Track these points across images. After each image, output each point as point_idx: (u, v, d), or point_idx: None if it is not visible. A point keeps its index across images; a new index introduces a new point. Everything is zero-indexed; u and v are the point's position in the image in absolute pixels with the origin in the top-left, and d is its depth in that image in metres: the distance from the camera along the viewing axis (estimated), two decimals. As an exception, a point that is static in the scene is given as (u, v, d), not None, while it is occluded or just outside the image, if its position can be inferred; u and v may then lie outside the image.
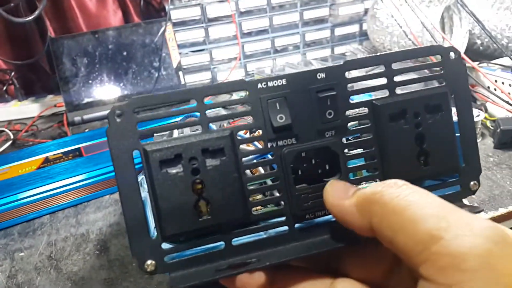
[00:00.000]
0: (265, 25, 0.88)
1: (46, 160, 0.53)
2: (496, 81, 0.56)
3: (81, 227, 0.44)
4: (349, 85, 0.24)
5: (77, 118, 0.78)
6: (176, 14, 0.83)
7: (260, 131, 0.23)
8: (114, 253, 0.39)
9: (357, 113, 0.24)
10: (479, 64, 0.59)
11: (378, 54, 0.24)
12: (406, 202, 0.18)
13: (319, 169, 0.23)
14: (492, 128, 0.52)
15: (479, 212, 0.24)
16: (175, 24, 0.83)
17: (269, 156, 0.23)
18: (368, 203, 0.19)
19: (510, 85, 0.55)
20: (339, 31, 0.92)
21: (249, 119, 0.23)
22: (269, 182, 0.26)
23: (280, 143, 0.23)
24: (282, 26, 0.89)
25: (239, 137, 0.23)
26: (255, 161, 0.24)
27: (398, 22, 0.70)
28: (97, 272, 0.37)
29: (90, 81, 0.80)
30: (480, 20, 0.64)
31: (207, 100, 0.23)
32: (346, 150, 0.23)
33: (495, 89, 0.55)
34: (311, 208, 0.23)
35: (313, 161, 0.23)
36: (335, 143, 0.23)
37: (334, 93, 0.23)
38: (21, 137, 0.73)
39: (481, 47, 0.70)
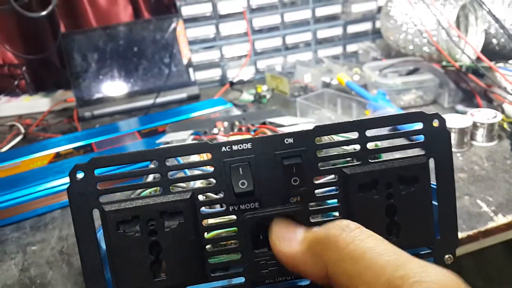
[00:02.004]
0: (276, 22, 0.87)
1: (58, 155, 0.53)
2: (513, 81, 0.55)
3: (93, 223, 0.44)
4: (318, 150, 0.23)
5: (87, 114, 0.78)
6: (187, 10, 0.83)
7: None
8: (125, 249, 0.39)
9: (326, 179, 0.24)
10: (495, 64, 0.58)
11: (352, 120, 0.23)
12: (363, 248, 0.17)
13: None
14: (509, 130, 0.51)
15: None
16: (186, 21, 0.83)
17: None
18: (322, 249, 0.19)
19: (528, 85, 0.53)
20: (351, 29, 0.91)
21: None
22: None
23: (242, 207, 0.23)
24: (293, 23, 0.88)
25: (200, 199, 0.23)
26: (216, 222, 0.23)
27: (413, 20, 0.69)
28: (109, 268, 0.36)
29: (101, 77, 0.81)
30: (499, 19, 0.63)
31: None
32: (311, 216, 0.23)
33: (512, 89, 0.54)
34: (270, 275, 0.23)
35: None
36: (298, 212, 0.23)
37: (300, 161, 0.22)
38: (32, 132, 0.74)
39: (497, 47, 0.69)
